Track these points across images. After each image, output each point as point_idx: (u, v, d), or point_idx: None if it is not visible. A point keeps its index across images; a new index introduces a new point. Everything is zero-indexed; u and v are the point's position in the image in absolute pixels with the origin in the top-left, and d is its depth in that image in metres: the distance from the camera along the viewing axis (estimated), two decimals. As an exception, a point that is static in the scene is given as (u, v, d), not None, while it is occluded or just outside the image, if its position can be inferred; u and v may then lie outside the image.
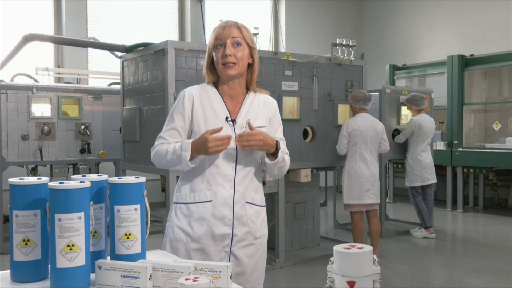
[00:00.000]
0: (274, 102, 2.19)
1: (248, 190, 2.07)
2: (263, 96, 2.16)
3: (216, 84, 2.12)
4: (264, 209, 2.18)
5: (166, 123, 2.11)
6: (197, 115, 2.05)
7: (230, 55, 1.99)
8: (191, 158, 1.95)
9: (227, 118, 2.05)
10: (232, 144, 2.01)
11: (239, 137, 1.95)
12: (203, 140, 1.91)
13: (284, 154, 2.08)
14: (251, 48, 2.07)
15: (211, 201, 2.02)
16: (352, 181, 4.98)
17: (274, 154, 2.03)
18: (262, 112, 2.12)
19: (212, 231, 2.01)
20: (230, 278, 1.43)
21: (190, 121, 2.07)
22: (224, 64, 2.01)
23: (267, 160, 2.05)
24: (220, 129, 1.93)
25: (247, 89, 2.14)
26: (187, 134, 2.09)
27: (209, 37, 2.10)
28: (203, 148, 1.91)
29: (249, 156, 2.05)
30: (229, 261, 2.03)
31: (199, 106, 2.06)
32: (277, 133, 2.16)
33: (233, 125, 2.05)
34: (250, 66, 2.10)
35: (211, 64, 2.09)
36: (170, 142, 2.06)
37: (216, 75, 2.10)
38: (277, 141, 2.03)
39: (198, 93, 2.08)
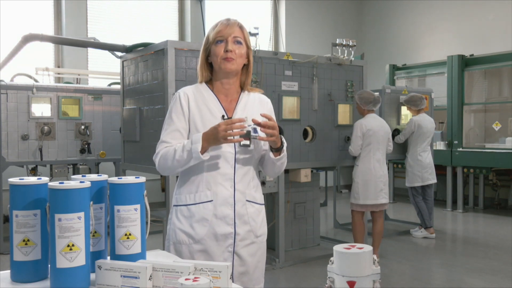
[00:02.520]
0: (269, 101, 2.21)
1: (249, 189, 2.07)
2: (258, 94, 2.17)
3: (209, 83, 2.12)
4: (264, 207, 2.18)
5: (165, 127, 2.08)
6: (193, 115, 2.05)
7: (231, 50, 2.00)
8: (203, 151, 1.92)
9: (223, 116, 2.05)
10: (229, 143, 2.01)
11: (266, 125, 1.91)
12: (214, 127, 1.89)
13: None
14: (248, 49, 2.08)
15: (211, 201, 2.01)
16: (368, 181, 4.95)
17: (278, 150, 2.03)
18: (258, 110, 2.11)
19: (215, 231, 2.01)
20: (230, 278, 1.43)
21: (188, 121, 2.06)
22: (224, 58, 2.01)
23: (272, 156, 2.04)
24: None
25: (241, 89, 2.15)
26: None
27: (207, 33, 2.09)
28: (214, 134, 1.88)
29: (248, 153, 2.05)
30: (232, 261, 2.03)
31: (194, 106, 2.06)
32: None
33: None
34: (245, 66, 2.11)
35: (206, 61, 2.09)
36: (174, 145, 2.04)
37: (209, 73, 2.11)
38: (281, 136, 2.03)
39: (192, 93, 2.08)
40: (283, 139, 2.06)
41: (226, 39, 2.01)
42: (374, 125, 4.99)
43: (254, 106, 2.12)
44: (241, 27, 2.06)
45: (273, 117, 2.17)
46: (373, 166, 4.97)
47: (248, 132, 1.99)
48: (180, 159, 1.96)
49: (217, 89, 2.10)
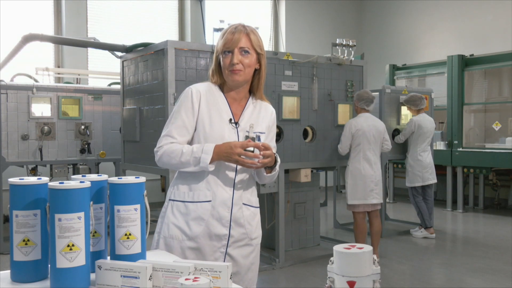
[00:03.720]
0: (273, 111, 2.23)
1: (245, 192, 2.09)
2: (264, 103, 2.18)
3: (221, 85, 2.12)
4: (259, 210, 2.19)
5: (171, 120, 2.05)
6: (202, 114, 2.04)
7: (237, 63, 1.99)
8: (211, 161, 1.94)
9: (230, 120, 2.06)
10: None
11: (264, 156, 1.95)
12: (230, 145, 1.92)
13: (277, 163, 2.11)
14: (259, 54, 2.06)
15: (210, 201, 2.02)
16: (356, 181, 4.98)
17: (271, 167, 2.06)
18: (264, 119, 2.14)
19: (210, 231, 2.02)
20: (230, 278, 1.43)
21: (196, 120, 2.05)
22: (231, 70, 2.01)
23: (265, 173, 2.07)
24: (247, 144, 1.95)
25: (250, 93, 2.15)
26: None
27: (217, 39, 2.09)
28: (227, 153, 1.91)
29: None
30: (224, 261, 2.03)
31: (205, 105, 2.05)
32: (272, 141, 2.20)
33: (236, 128, 2.06)
34: (257, 71, 2.10)
35: (218, 66, 2.09)
36: (180, 142, 2.02)
37: (222, 78, 2.10)
38: (275, 154, 2.05)
39: (205, 91, 2.07)
40: (278, 158, 2.08)
41: (232, 50, 2.00)
42: (365, 125, 4.99)
43: (260, 114, 2.14)
44: (248, 34, 2.03)
45: (275, 126, 2.23)
46: (362, 167, 4.98)
47: (252, 138, 2.02)
48: (186, 162, 1.97)
49: (227, 92, 2.10)
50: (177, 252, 2.01)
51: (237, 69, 2.00)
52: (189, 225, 2.02)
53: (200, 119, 2.04)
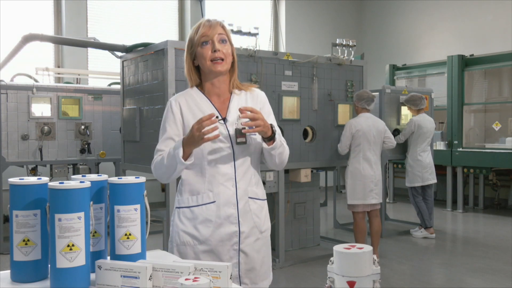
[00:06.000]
0: (261, 93, 2.18)
1: (250, 185, 2.07)
2: (249, 91, 2.15)
3: (199, 86, 2.11)
4: (266, 202, 2.18)
5: (160, 136, 2.09)
6: (187, 120, 2.04)
7: (219, 50, 2.00)
8: (186, 156, 1.90)
9: (217, 117, 2.04)
10: (226, 142, 2.00)
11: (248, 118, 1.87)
12: (190, 130, 1.87)
13: (281, 138, 2.06)
14: (232, 46, 2.08)
15: (214, 202, 2.01)
16: (356, 181, 4.98)
17: (270, 139, 1.99)
18: (252, 106, 2.08)
19: (219, 231, 2.01)
20: (230, 278, 1.43)
21: (183, 127, 2.05)
22: (213, 60, 2.00)
23: (265, 146, 2.01)
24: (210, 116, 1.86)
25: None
26: None
27: (188, 38, 2.08)
28: (190, 138, 1.85)
29: (246, 151, 2.05)
30: (238, 259, 2.03)
31: (188, 111, 2.05)
32: (268, 120, 2.11)
33: (225, 123, 2.04)
34: (232, 63, 2.10)
35: (192, 64, 2.08)
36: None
37: (198, 77, 2.10)
38: (271, 124, 1.99)
39: (184, 98, 2.08)
40: (274, 128, 2.00)
41: (212, 39, 2.00)
42: (365, 125, 4.99)
43: (247, 102, 2.11)
44: (223, 26, 2.06)
45: (268, 106, 2.16)
46: (362, 167, 4.98)
47: (242, 129, 1.96)
48: (169, 165, 1.96)
49: (208, 90, 2.09)
50: (191, 257, 2.01)
51: (219, 57, 1.99)
52: (198, 229, 2.02)
53: (187, 126, 2.03)
